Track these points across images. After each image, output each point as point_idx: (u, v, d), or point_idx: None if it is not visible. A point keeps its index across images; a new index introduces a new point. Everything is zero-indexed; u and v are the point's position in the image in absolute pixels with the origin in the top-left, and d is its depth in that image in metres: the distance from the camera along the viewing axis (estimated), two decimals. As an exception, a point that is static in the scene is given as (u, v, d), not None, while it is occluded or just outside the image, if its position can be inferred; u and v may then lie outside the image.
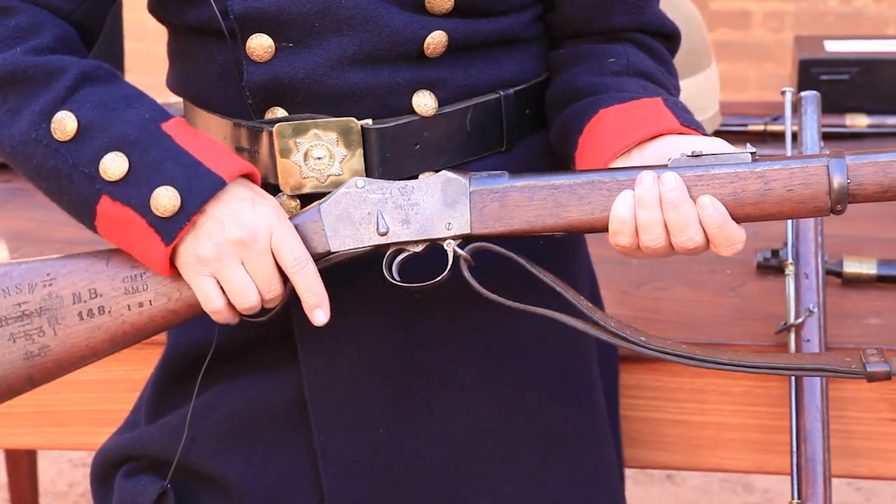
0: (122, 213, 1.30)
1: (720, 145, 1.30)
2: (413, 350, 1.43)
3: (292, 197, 1.39)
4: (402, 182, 1.32)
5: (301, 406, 1.44)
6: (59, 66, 1.32)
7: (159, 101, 1.40)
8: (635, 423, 1.75)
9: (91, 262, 1.35)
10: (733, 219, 1.26)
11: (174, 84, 1.50)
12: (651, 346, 1.31)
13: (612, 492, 1.56)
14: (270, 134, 1.38)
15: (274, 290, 1.31)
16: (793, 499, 1.60)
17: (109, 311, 1.35)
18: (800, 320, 1.66)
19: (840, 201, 1.26)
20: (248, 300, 1.30)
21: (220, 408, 1.46)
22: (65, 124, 1.30)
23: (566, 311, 1.32)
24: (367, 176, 1.38)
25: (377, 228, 1.31)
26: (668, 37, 1.48)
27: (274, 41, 1.35)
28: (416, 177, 1.39)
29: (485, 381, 1.46)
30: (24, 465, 2.69)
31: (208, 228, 1.29)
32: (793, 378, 1.64)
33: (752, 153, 1.28)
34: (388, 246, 1.32)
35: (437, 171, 1.38)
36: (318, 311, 1.32)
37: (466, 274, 1.31)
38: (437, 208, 1.31)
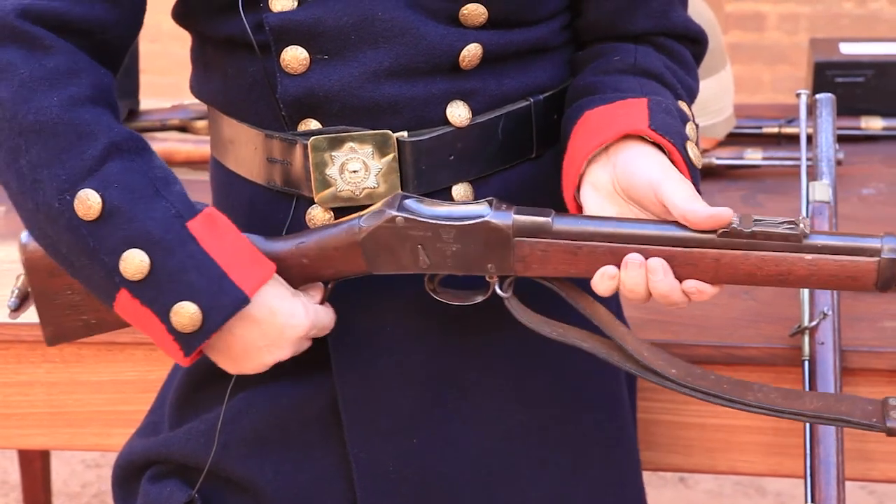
0: (142, 311, 1.29)
1: (674, 182, 1.27)
2: (445, 359, 1.43)
3: (326, 210, 1.39)
4: (442, 221, 1.30)
5: (332, 414, 1.44)
6: (90, 129, 1.29)
7: (183, 102, 1.40)
8: (650, 425, 1.74)
9: None
10: (772, 286, 1.27)
11: (200, 91, 1.48)
12: (679, 381, 1.31)
13: (638, 494, 1.56)
14: (304, 146, 1.37)
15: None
16: (806, 502, 1.60)
17: None
18: (814, 323, 1.66)
19: (886, 288, 1.25)
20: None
21: (249, 414, 1.46)
22: (89, 205, 1.27)
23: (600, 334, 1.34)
24: (403, 189, 1.37)
25: (418, 262, 1.31)
26: (694, 40, 1.47)
27: (309, 53, 1.35)
28: (449, 189, 1.39)
29: (515, 389, 1.46)
30: (37, 465, 2.70)
31: (239, 335, 1.32)
32: (806, 381, 1.64)
33: (804, 232, 1.24)
34: (428, 275, 1.34)
35: (471, 183, 1.39)
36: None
37: (509, 307, 1.32)
38: (478, 251, 1.30)
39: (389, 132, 1.36)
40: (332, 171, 1.37)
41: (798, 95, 1.82)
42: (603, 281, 1.28)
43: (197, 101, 1.51)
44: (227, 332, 1.31)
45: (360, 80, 1.35)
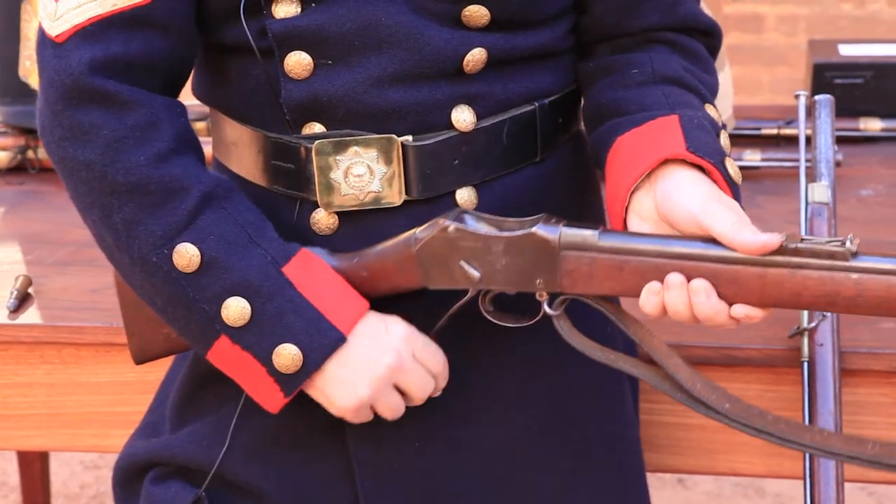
0: (241, 356, 1.33)
1: (720, 216, 1.26)
2: (449, 362, 1.43)
3: (331, 214, 1.39)
4: (493, 233, 1.31)
5: (336, 417, 1.44)
6: (181, 184, 1.32)
7: (185, 102, 1.41)
8: (650, 427, 1.74)
9: None
10: (820, 311, 1.28)
11: (202, 93, 1.49)
12: (735, 417, 1.30)
13: (641, 496, 1.56)
14: (308, 150, 1.37)
15: (428, 391, 1.38)
16: (805, 503, 1.59)
17: None
18: (813, 324, 1.66)
19: None
20: (396, 414, 1.38)
21: (254, 417, 1.45)
22: (188, 258, 1.31)
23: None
24: (407, 193, 1.38)
25: (470, 275, 1.32)
26: (706, 32, 1.46)
27: (313, 59, 1.35)
28: (453, 193, 1.39)
29: (518, 391, 1.46)
30: (36, 466, 2.70)
31: (357, 367, 1.34)
32: (806, 383, 1.64)
33: (851, 250, 1.22)
34: (480, 291, 1.34)
35: (475, 187, 1.40)
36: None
37: (557, 327, 1.33)
38: (527, 265, 1.30)
39: (394, 136, 1.36)
40: (336, 174, 1.37)
41: (797, 97, 1.82)
42: (649, 298, 1.27)
43: (196, 102, 1.51)
44: (326, 370, 1.34)
45: (364, 86, 1.35)
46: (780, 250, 1.23)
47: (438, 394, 1.39)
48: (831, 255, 1.22)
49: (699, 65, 1.44)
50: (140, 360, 1.49)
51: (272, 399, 1.35)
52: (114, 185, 1.32)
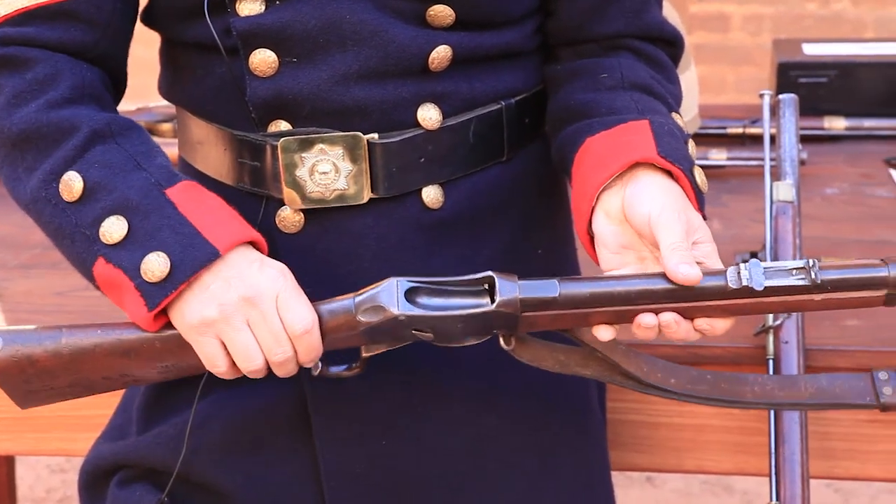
0: (114, 274, 1.29)
1: (669, 226, 1.26)
2: (415, 363, 1.43)
3: (296, 211, 1.39)
4: (449, 313, 1.27)
5: (302, 418, 1.44)
6: (71, 123, 1.32)
7: (148, 104, 1.40)
8: (616, 425, 1.75)
9: (118, 342, 1.33)
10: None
11: (168, 92, 1.48)
12: (679, 391, 1.34)
13: (606, 495, 1.56)
14: (274, 148, 1.37)
15: (282, 353, 1.28)
16: (771, 500, 1.60)
17: (136, 380, 1.38)
18: (778, 322, 1.66)
19: (891, 303, 1.26)
20: (252, 363, 1.28)
21: (219, 418, 1.45)
22: (71, 185, 1.30)
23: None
24: (373, 191, 1.37)
25: (424, 339, 1.29)
26: (669, 42, 1.47)
27: (278, 56, 1.35)
28: (419, 191, 1.39)
29: (486, 392, 1.46)
30: (2, 471, 2.68)
31: (213, 290, 1.27)
32: (772, 380, 1.65)
33: (815, 281, 1.23)
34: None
35: (441, 185, 1.39)
36: (312, 364, 1.31)
37: (508, 349, 1.32)
38: (486, 327, 1.28)
39: (360, 134, 1.36)
40: (301, 172, 1.37)
41: (762, 96, 1.83)
42: (608, 332, 1.28)
43: (162, 103, 1.51)
44: (194, 285, 1.27)
45: (329, 83, 1.35)
46: (746, 291, 1.24)
47: (298, 367, 1.31)
48: (797, 290, 1.24)
49: (663, 73, 1.45)
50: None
51: (139, 315, 1.29)
52: (11, 136, 1.32)
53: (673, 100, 1.43)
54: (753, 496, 3.20)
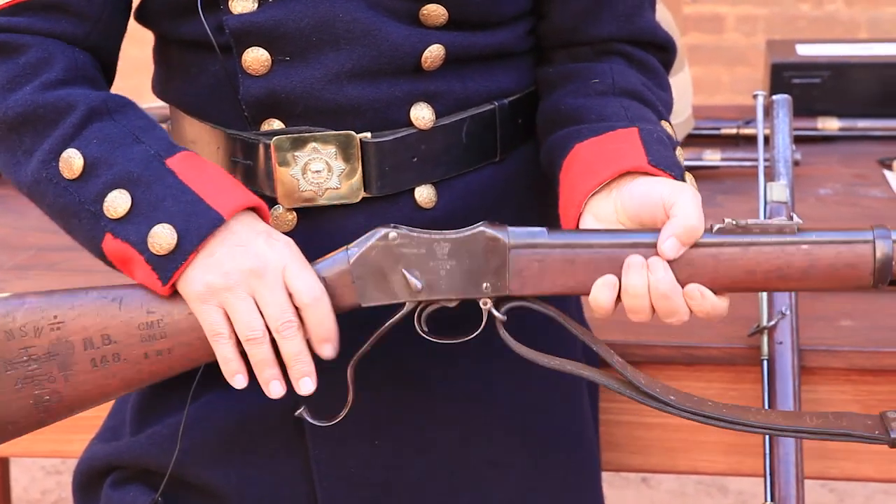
0: (123, 249, 1.29)
1: (688, 194, 1.27)
2: (407, 362, 1.43)
3: (289, 210, 1.39)
4: (437, 236, 1.28)
5: (295, 417, 1.43)
6: (67, 102, 1.32)
7: (143, 106, 1.40)
8: (611, 426, 1.75)
9: (102, 305, 1.30)
10: (774, 289, 1.27)
11: (162, 91, 1.48)
12: (680, 406, 1.29)
13: (596, 496, 1.57)
14: (267, 146, 1.37)
15: (287, 325, 1.27)
16: (766, 500, 1.61)
17: (126, 359, 1.30)
18: (772, 323, 1.67)
19: (882, 280, 1.25)
20: (254, 332, 1.27)
21: (212, 418, 1.45)
22: (71, 163, 1.30)
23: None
24: (366, 190, 1.37)
25: (410, 285, 1.28)
26: (661, 47, 1.47)
27: (271, 55, 1.35)
28: (412, 191, 1.38)
29: (478, 392, 1.46)
30: (-4, 472, 2.67)
31: (219, 257, 1.27)
32: (765, 381, 1.65)
33: (798, 223, 1.26)
34: (420, 303, 1.29)
35: (434, 185, 1.38)
36: (327, 345, 1.29)
37: (503, 333, 1.29)
38: (474, 267, 1.27)
39: (353, 133, 1.36)
40: (294, 171, 1.37)
41: (755, 97, 1.84)
42: (603, 291, 1.26)
43: (156, 104, 1.51)
44: (203, 251, 1.27)
45: (322, 82, 1.35)
46: (731, 230, 1.25)
47: (304, 345, 1.28)
48: (780, 230, 1.25)
49: (654, 80, 1.45)
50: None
51: (155, 288, 1.29)
52: (8, 120, 1.32)
53: (663, 107, 1.43)
54: (748, 496, 3.20)
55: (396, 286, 1.29)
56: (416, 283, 1.28)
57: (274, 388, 1.30)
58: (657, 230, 1.26)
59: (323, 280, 1.29)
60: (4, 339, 1.30)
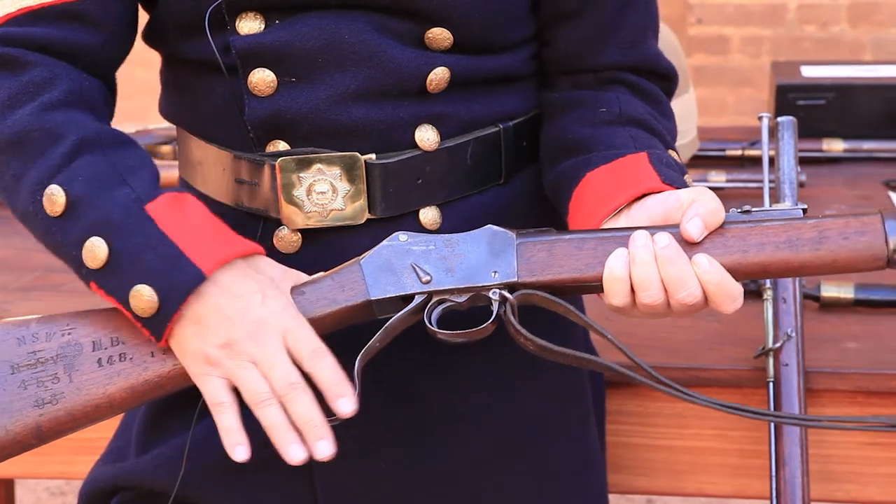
0: (111, 300, 1.26)
1: (707, 194, 1.27)
2: (412, 384, 1.42)
3: (294, 231, 1.39)
4: (446, 235, 1.30)
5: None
6: (60, 130, 1.28)
7: (148, 126, 1.40)
8: (617, 448, 1.74)
9: (115, 313, 1.29)
10: (790, 269, 1.24)
11: (168, 112, 1.48)
12: (696, 395, 1.27)
13: None
14: (272, 167, 1.37)
15: (292, 389, 1.23)
16: (772, 523, 1.60)
17: (131, 358, 1.28)
18: (778, 345, 1.66)
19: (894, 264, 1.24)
20: (262, 397, 1.23)
21: (217, 440, 1.43)
22: (54, 199, 1.26)
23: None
24: (370, 212, 1.37)
25: (420, 277, 1.28)
26: (664, 76, 1.47)
27: (276, 76, 1.35)
28: (416, 212, 1.39)
29: (483, 414, 1.46)
30: (1, 494, 2.67)
31: (212, 324, 1.23)
32: (771, 403, 1.65)
33: (803, 208, 1.27)
34: (430, 295, 1.28)
35: (439, 207, 1.39)
36: (344, 400, 1.24)
37: (512, 318, 1.26)
38: (482, 258, 1.28)
39: (357, 154, 1.36)
40: (299, 192, 1.37)
41: (760, 118, 1.84)
42: (616, 261, 1.24)
43: (162, 125, 1.52)
44: (185, 316, 1.24)
45: (327, 103, 1.35)
46: (736, 216, 1.26)
47: (313, 405, 1.24)
48: (787, 212, 1.26)
49: (659, 109, 1.45)
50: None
51: (153, 341, 1.27)
52: (2, 140, 1.29)
53: (669, 136, 1.43)
54: (754, 519, 3.19)
55: (406, 279, 1.28)
56: (424, 273, 1.28)
57: (294, 454, 1.25)
58: (670, 224, 1.26)
59: (332, 279, 1.28)
60: (15, 344, 1.30)
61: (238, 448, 1.26)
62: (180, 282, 1.23)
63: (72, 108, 1.31)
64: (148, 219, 1.25)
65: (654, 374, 1.27)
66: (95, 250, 1.25)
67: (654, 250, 1.24)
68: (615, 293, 1.25)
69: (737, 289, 1.24)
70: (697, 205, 1.25)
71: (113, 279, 1.25)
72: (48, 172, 1.27)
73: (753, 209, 1.27)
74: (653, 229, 1.26)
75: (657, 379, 1.27)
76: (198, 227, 1.27)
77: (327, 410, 1.26)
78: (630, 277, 1.24)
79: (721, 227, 1.26)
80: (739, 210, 1.27)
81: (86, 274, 1.26)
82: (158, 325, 1.25)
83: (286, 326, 1.25)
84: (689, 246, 1.25)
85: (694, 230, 1.24)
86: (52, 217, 1.27)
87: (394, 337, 1.29)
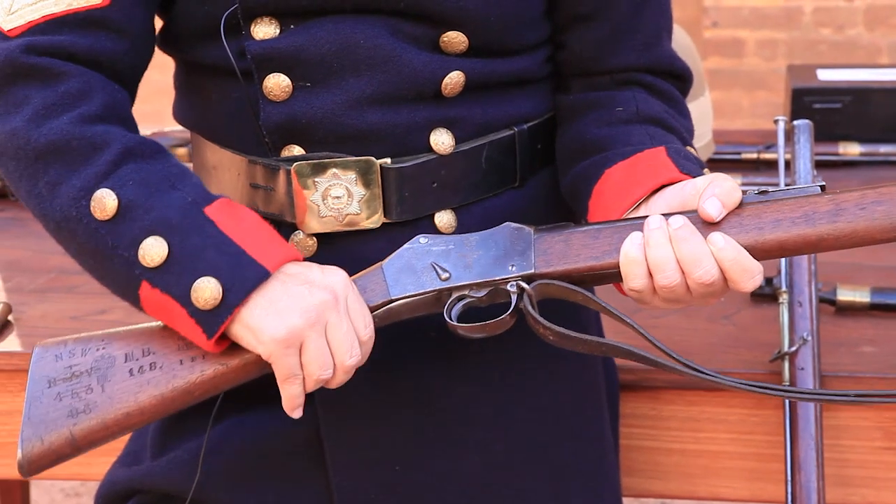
0: (163, 300, 1.27)
1: (722, 176, 1.28)
2: (429, 388, 1.43)
3: (309, 236, 1.39)
4: (465, 234, 1.31)
5: (316, 443, 1.43)
6: (103, 139, 1.29)
7: (163, 129, 1.40)
8: (631, 451, 1.74)
9: (148, 328, 1.32)
10: (807, 244, 1.23)
11: (183, 117, 1.48)
12: (718, 376, 1.25)
13: None
14: (287, 172, 1.37)
15: (355, 358, 1.27)
16: (788, 528, 1.60)
17: (161, 367, 1.30)
18: (794, 348, 1.66)
19: None
20: (326, 373, 1.26)
21: (233, 443, 1.44)
22: (105, 203, 1.27)
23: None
24: (385, 215, 1.38)
25: (439, 275, 1.29)
26: (679, 76, 1.47)
27: (291, 81, 1.35)
28: (432, 216, 1.39)
29: (498, 417, 1.46)
30: (16, 494, 2.68)
31: (286, 301, 1.24)
32: (787, 406, 1.64)
33: (821, 185, 1.26)
34: (449, 292, 1.29)
35: (454, 210, 1.40)
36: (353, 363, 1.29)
37: (530, 309, 1.27)
38: (500, 253, 1.29)
39: (373, 159, 1.37)
40: (315, 196, 1.37)
41: (776, 122, 1.83)
42: (633, 244, 1.24)
43: (177, 128, 1.52)
44: (251, 302, 1.25)
45: (342, 108, 1.35)
46: (753, 197, 1.26)
47: (354, 365, 1.28)
48: (801, 189, 1.25)
49: (676, 108, 1.46)
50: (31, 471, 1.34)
51: (199, 341, 1.28)
52: (38, 148, 1.29)
53: (687, 133, 1.44)
54: (769, 523, 3.18)
55: (425, 277, 1.30)
56: (443, 271, 1.29)
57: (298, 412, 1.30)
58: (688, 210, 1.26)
59: (356, 282, 1.30)
60: (53, 360, 1.33)
61: (297, 410, 1.29)
62: (246, 276, 1.25)
63: (108, 122, 1.31)
64: (208, 220, 1.27)
65: (675, 356, 1.26)
66: (154, 249, 1.26)
67: (668, 231, 1.24)
68: (633, 276, 1.25)
69: (754, 265, 1.23)
70: (714, 185, 1.25)
71: (172, 275, 1.25)
72: (95, 178, 1.28)
73: (770, 188, 1.26)
74: (668, 215, 1.26)
75: (678, 360, 1.26)
76: (255, 231, 1.28)
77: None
78: (646, 260, 1.24)
79: (738, 207, 1.25)
80: (757, 191, 1.26)
81: (139, 274, 1.26)
82: (216, 318, 1.25)
83: (348, 294, 1.27)
84: (706, 226, 1.24)
85: (713, 209, 1.24)
86: (101, 220, 1.27)
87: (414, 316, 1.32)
